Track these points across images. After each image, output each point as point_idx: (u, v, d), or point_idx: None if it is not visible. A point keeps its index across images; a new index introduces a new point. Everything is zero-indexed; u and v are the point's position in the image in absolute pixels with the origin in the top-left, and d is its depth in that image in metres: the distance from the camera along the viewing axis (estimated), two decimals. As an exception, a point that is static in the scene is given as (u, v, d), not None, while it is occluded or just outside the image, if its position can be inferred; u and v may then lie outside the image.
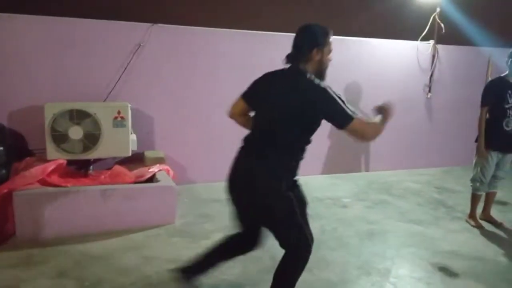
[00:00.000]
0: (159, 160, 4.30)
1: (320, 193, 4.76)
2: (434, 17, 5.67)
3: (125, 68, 4.46)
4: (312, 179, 5.15)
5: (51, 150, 3.80)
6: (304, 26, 2.18)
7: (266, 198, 2.11)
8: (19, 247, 3.20)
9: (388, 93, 5.59)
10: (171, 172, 4.27)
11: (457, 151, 6.17)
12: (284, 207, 2.12)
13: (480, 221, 3.99)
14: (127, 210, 3.59)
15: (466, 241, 3.65)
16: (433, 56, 5.80)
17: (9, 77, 4.12)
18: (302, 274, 2.23)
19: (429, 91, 5.86)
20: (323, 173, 5.53)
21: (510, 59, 3.76)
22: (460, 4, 5.72)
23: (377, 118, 2.18)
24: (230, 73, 4.89)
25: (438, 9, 5.65)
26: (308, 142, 2.18)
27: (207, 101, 4.90)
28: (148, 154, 4.42)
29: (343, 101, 2.02)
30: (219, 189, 4.82)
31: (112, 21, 4.46)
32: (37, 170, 3.53)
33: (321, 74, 2.15)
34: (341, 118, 2.01)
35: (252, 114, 2.32)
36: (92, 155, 3.93)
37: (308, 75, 2.09)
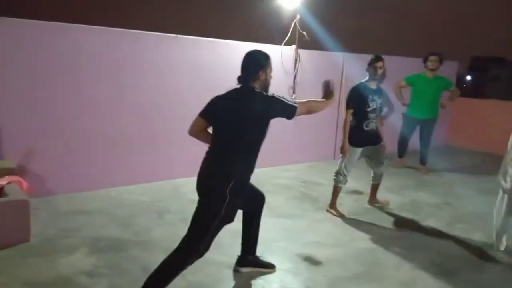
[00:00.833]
0: (8, 171, 3.78)
1: (193, 195, 4.71)
2: (295, 24, 6.07)
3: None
4: (187, 181, 5.08)
5: None
6: (249, 53, 2.69)
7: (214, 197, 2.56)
8: None
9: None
10: (25, 184, 3.79)
11: (320, 147, 6.71)
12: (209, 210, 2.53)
13: (340, 211, 4.39)
14: (-34, 232, 3.07)
15: (328, 230, 3.98)
16: (296, 60, 6.21)
17: None
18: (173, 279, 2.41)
19: (294, 92, 6.25)
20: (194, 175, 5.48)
21: (369, 66, 4.22)
22: (317, 12, 6.24)
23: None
24: (92, 72, 4.54)
25: (298, 16, 6.07)
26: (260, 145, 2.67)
27: (68, 104, 4.47)
28: (-6, 165, 3.85)
29: (285, 98, 2.62)
30: (84, 199, 4.51)
31: None
32: None
33: (266, 88, 2.67)
34: (289, 111, 2.62)
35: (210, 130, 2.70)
36: None
37: (258, 91, 2.61)
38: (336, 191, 4.39)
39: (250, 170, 2.68)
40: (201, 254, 2.51)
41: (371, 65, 4.23)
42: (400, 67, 6.61)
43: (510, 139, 3.64)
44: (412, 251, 3.57)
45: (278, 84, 6.13)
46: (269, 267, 3.10)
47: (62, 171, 4.52)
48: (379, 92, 4.29)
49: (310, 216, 4.30)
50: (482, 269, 3.32)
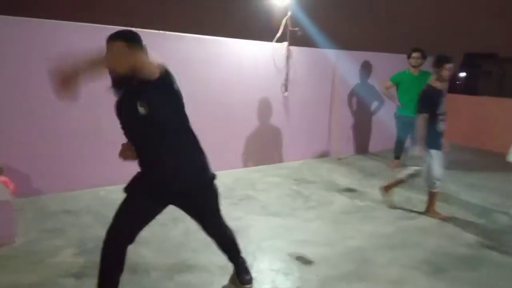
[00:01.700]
0: (-6, 172, 3.71)
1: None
2: (286, 21, 6.02)
3: None
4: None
5: None
6: None
7: None
8: None
9: (247, 91, 5.78)
10: (11, 185, 3.71)
11: (312, 144, 6.70)
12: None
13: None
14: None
15: (319, 228, 3.94)
16: (287, 57, 6.16)
17: None
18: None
19: (286, 89, 6.21)
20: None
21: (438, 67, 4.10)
22: (308, 9, 6.20)
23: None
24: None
25: (289, 13, 6.02)
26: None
27: (54, 103, 4.37)
28: (-22, 165, 3.77)
29: None
30: (70, 199, 4.44)
31: None
32: None
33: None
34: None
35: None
36: None
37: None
38: (435, 196, 4.35)
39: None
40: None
41: (441, 66, 4.05)
42: (391, 64, 6.61)
43: None
44: (403, 249, 3.54)
45: (270, 82, 6.09)
46: (244, 283, 2.84)
47: (49, 170, 4.44)
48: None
49: (300, 215, 4.27)
50: (473, 267, 3.31)
